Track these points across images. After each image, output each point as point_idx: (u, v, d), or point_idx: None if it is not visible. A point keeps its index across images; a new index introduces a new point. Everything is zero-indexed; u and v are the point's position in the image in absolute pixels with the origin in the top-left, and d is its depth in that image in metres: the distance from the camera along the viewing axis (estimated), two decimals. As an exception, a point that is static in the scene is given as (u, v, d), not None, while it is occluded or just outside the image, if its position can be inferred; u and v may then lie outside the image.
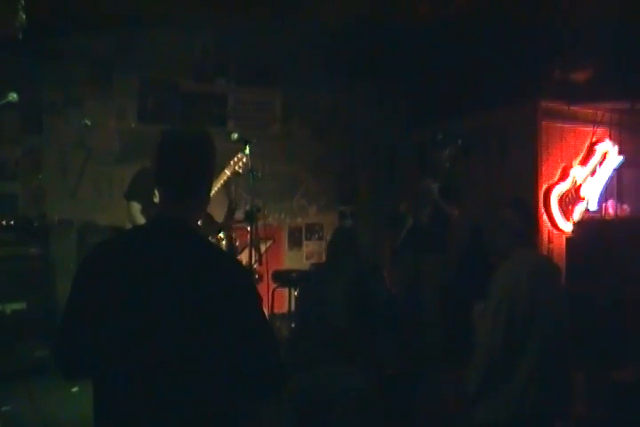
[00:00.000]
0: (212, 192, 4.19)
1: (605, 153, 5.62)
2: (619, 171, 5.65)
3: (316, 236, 6.88)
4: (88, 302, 1.57)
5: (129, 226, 4.44)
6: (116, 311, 1.52)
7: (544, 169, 5.41)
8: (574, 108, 5.49)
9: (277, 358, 1.63)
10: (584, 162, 5.61)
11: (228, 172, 4.28)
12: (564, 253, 4.95)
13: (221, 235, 4.63)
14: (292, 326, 4.64)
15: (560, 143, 5.52)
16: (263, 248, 4.80)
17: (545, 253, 5.03)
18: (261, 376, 1.60)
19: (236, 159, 4.26)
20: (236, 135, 4.31)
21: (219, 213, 4.95)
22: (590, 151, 5.63)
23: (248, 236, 4.16)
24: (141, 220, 4.27)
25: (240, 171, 4.23)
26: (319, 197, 6.87)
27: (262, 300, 1.63)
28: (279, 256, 6.40)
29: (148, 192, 4.31)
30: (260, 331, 1.60)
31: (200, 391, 1.51)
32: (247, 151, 4.16)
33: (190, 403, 1.50)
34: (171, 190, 1.65)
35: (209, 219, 4.58)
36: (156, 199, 4.71)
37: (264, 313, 1.65)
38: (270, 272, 5.03)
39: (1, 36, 4.18)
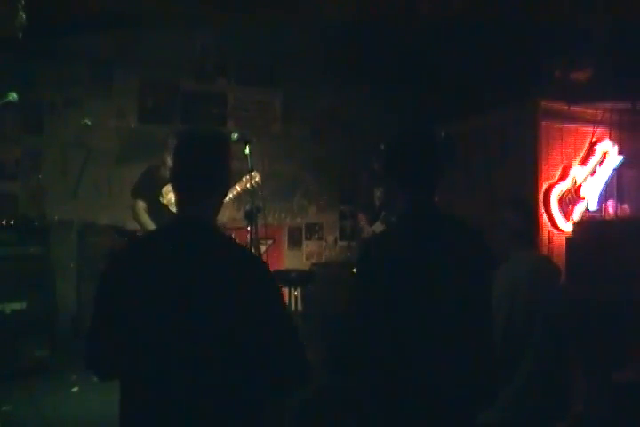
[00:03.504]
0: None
1: (605, 153, 5.62)
2: (619, 171, 5.64)
3: (316, 236, 6.88)
4: (117, 304, 1.59)
5: (132, 224, 4.45)
6: (146, 311, 1.55)
7: (544, 169, 5.40)
8: (574, 108, 5.49)
9: (303, 353, 1.65)
10: (584, 162, 5.60)
11: (238, 187, 4.30)
12: (563, 253, 4.93)
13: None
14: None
15: (560, 143, 5.51)
16: (263, 248, 4.80)
17: (545, 253, 5.02)
18: (289, 371, 1.62)
19: (249, 176, 4.27)
20: (235, 135, 4.30)
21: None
22: (590, 151, 5.62)
23: (248, 236, 4.16)
24: (146, 218, 4.28)
25: (251, 188, 4.25)
26: (319, 197, 6.87)
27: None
28: (279, 256, 6.40)
29: (154, 191, 4.33)
30: (286, 327, 1.63)
31: (228, 387, 1.54)
32: (247, 151, 4.16)
33: (219, 398, 1.53)
34: (189, 191, 1.67)
35: None
36: (162, 199, 4.70)
37: (288, 309, 1.67)
38: (270, 272, 5.02)
39: (1, 36, 4.19)
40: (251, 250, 4.40)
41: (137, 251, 1.69)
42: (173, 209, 4.32)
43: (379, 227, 4.71)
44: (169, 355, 1.52)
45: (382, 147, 1.97)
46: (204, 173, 1.66)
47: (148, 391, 1.54)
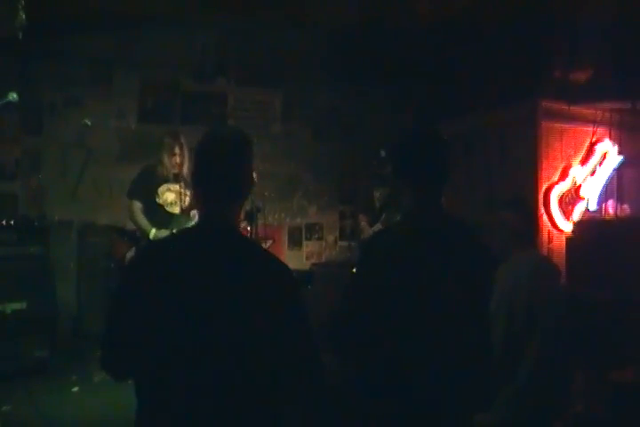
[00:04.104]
0: None
1: (605, 153, 5.62)
2: (619, 171, 5.64)
3: (316, 236, 6.87)
4: (137, 306, 1.57)
5: (130, 225, 4.45)
6: (167, 315, 1.53)
7: (544, 169, 5.40)
8: (574, 108, 5.49)
9: (319, 357, 1.64)
10: (584, 162, 5.60)
11: None
12: (563, 253, 4.93)
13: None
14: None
15: (560, 143, 5.51)
16: (263, 248, 4.80)
17: (545, 253, 5.02)
18: (307, 375, 1.63)
19: None
20: (235, 135, 4.31)
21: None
22: (590, 151, 5.62)
23: (248, 236, 4.16)
24: (142, 218, 4.27)
25: None
26: (319, 197, 6.87)
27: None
28: (279, 256, 6.37)
29: (150, 191, 4.33)
30: (306, 330, 1.62)
31: (247, 390, 1.53)
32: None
33: (237, 402, 1.52)
34: (216, 192, 1.64)
35: None
36: (158, 199, 4.68)
37: (308, 313, 1.67)
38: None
39: (1, 36, 4.19)
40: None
41: (161, 252, 1.66)
42: (169, 209, 4.35)
43: (379, 228, 4.71)
44: (189, 357, 1.51)
45: (382, 151, 1.95)
46: (233, 175, 1.63)
47: (166, 393, 1.53)
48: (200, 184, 1.66)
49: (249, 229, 4.17)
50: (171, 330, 1.52)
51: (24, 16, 3.86)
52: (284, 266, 1.66)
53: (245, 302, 1.53)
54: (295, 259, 6.61)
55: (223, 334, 1.51)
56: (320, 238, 6.88)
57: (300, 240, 6.79)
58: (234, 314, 1.52)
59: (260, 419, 1.57)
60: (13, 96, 4.02)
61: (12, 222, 4.75)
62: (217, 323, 1.51)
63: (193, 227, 1.69)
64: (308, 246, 6.83)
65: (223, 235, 1.62)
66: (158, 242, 1.74)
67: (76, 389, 4.05)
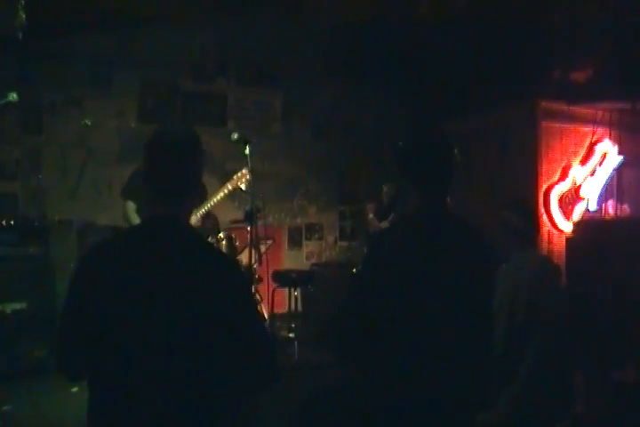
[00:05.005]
0: (215, 202, 4.29)
1: (605, 153, 5.62)
2: (619, 171, 5.64)
3: (316, 236, 6.87)
4: (88, 304, 1.58)
5: (126, 225, 4.45)
6: (117, 311, 1.55)
7: (544, 169, 5.40)
8: (574, 108, 5.49)
9: (271, 353, 1.66)
10: (584, 162, 5.60)
11: (230, 186, 4.30)
12: (563, 253, 4.93)
13: (221, 235, 4.63)
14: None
15: (560, 143, 5.52)
16: (263, 248, 4.80)
17: (545, 253, 5.03)
18: (256, 371, 1.63)
19: (239, 175, 4.27)
20: (236, 135, 4.31)
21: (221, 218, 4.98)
22: (590, 151, 5.62)
23: (248, 236, 4.16)
24: (136, 219, 4.27)
25: (242, 187, 4.26)
26: (319, 197, 6.87)
27: (256, 295, 1.68)
28: (279, 256, 6.40)
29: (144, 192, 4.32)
30: (255, 326, 1.64)
31: (198, 387, 1.54)
32: (247, 151, 4.16)
33: (189, 400, 1.53)
34: (163, 190, 1.67)
35: (214, 220, 4.60)
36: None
37: (257, 308, 1.69)
38: (270, 272, 5.03)
39: (1, 36, 4.19)
40: (230, 253, 4.39)
41: (110, 249, 1.68)
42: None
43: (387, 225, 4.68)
44: (140, 354, 1.53)
45: (400, 144, 1.92)
46: (179, 173, 1.66)
47: (119, 390, 1.54)
48: (147, 182, 1.69)
49: (249, 229, 4.17)
50: (120, 327, 1.54)
51: (24, 16, 3.86)
52: (231, 259, 1.69)
53: (192, 296, 1.55)
54: (295, 259, 6.61)
55: (172, 329, 1.53)
56: (320, 238, 6.88)
57: (300, 240, 6.79)
58: (181, 309, 1.54)
59: (214, 411, 1.58)
60: (13, 96, 4.02)
61: (12, 222, 4.75)
62: (165, 318, 1.53)
63: (140, 224, 1.71)
64: (308, 246, 6.83)
65: (170, 231, 1.64)
66: (107, 240, 1.76)
67: (75, 389, 4.04)
